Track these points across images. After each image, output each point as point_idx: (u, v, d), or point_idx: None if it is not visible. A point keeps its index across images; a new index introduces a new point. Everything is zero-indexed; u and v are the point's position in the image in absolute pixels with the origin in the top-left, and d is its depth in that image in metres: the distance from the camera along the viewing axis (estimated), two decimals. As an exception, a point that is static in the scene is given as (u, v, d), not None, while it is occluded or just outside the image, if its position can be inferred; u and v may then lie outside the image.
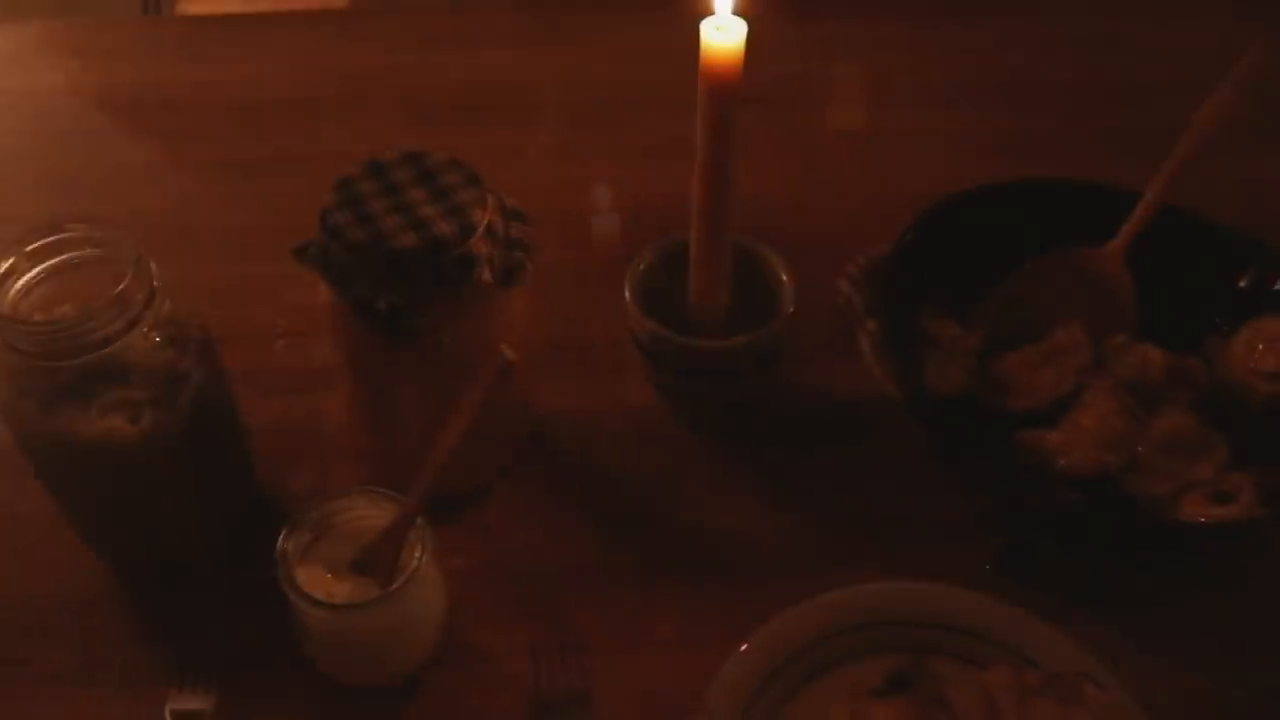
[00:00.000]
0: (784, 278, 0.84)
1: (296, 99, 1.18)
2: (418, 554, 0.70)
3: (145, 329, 0.70)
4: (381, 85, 1.20)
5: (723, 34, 0.71)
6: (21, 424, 0.71)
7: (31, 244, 0.71)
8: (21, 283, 0.71)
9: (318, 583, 0.71)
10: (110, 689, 0.76)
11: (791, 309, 0.83)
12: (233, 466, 0.80)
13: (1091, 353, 0.85)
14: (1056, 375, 0.85)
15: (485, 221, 0.71)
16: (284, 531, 0.70)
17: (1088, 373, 0.84)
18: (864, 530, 0.83)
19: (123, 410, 0.71)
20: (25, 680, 0.76)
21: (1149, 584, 0.80)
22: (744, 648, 0.73)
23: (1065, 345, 0.86)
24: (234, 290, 0.96)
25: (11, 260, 0.71)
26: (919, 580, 0.77)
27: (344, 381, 0.80)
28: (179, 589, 0.80)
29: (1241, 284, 0.88)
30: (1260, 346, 0.85)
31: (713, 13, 0.72)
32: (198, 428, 0.74)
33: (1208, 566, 0.81)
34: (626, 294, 0.84)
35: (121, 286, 0.68)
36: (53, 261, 0.71)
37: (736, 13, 0.72)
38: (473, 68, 1.22)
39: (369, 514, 0.73)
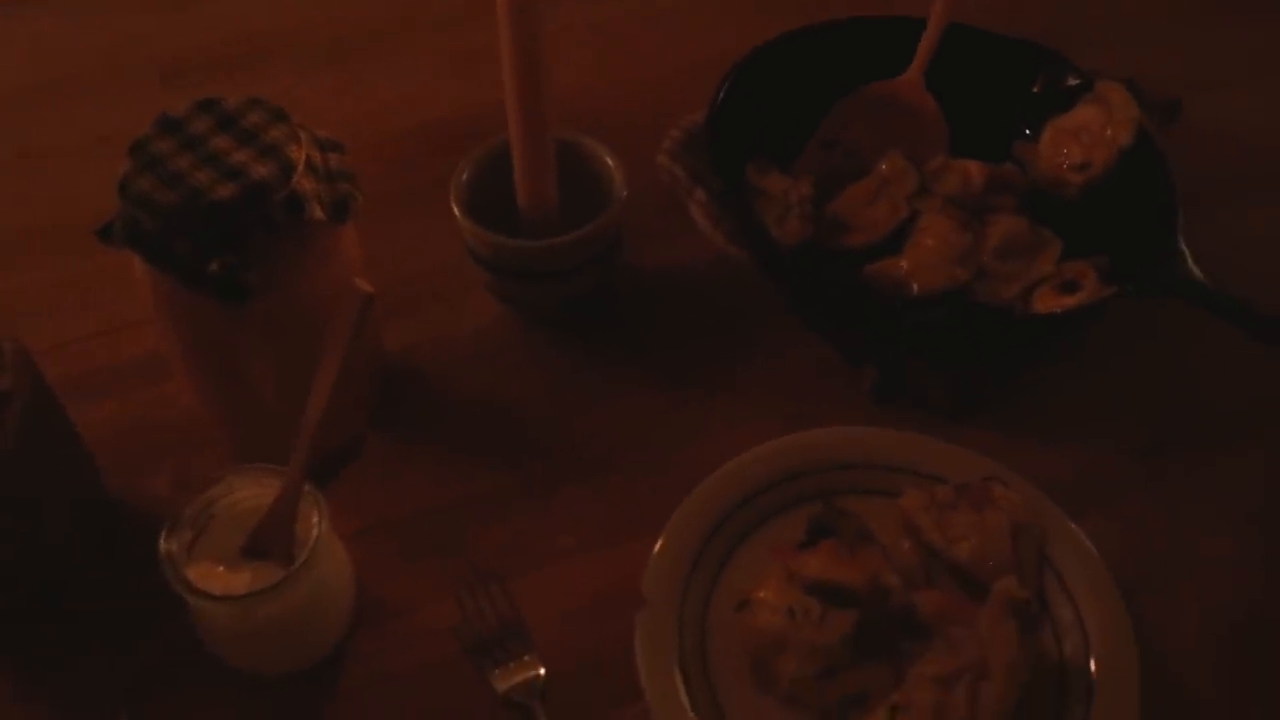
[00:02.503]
0: (610, 163, 0.82)
1: (41, 84, 1.07)
2: (315, 521, 0.65)
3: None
4: (130, 57, 1.09)
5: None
6: None
7: None
8: None
9: (213, 578, 0.65)
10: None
11: (624, 193, 0.81)
12: (78, 481, 0.73)
13: (916, 178, 0.87)
14: (890, 205, 0.86)
15: (304, 157, 0.66)
16: (163, 533, 0.65)
17: (916, 198, 0.86)
18: (740, 392, 0.82)
19: None
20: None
21: (1015, 381, 0.83)
22: (664, 535, 0.72)
23: (890, 175, 0.87)
24: (33, 297, 0.87)
25: None
26: (810, 430, 0.77)
27: (182, 363, 0.73)
28: (52, 629, 0.73)
29: (1035, 89, 0.91)
30: (1064, 142, 0.88)
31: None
32: (32, 448, 0.67)
33: (1055, 350, 0.85)
34: (455, 209, 0.80)
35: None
36: None
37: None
38: (225, 20, 1.13)
39: (248, 495, 0.68)
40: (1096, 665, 0.68)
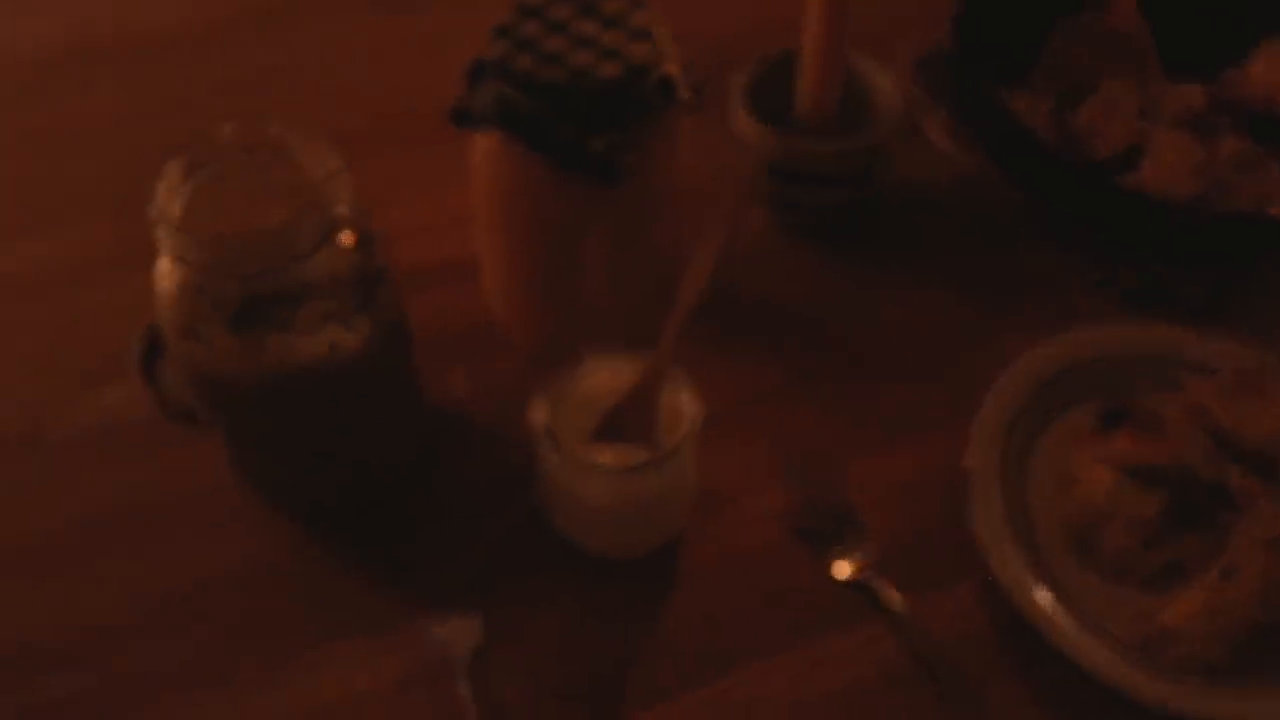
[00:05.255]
0: (882, 79, 0.84)
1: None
2: (687, 400, 0.66)
3: (344, 231, 0.62)
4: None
5: None
6: (212, 359, 0.62)
7: (186, 155, 0.62)
8: (183, 198, 0.61)
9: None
10: (364, 640, 0.69)
11: (900, 105, 0.83)
12: (410, 370, 0.73)
13: (1138, 100, 0.91)
14: (1122, 124, 0.90)
15: (674, 39, 0.68)
16: (531, 408, 0.65)
17: (1144, 115, 0.90)
18: (999, 299, 0.86)
19: (329, 322, 0.63)
20: (273, 651, 0.68)
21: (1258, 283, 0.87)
22: (977, 420, 0.75)
23: (1118, 94, 0.91)
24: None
25: (168, 178, 0.61)
26: (1086, 328, 0.81)
27: (508, 255, 0.74)
28: (374, 521, 0.73)
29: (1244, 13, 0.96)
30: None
31: None
32: (394, 331, 0.67)
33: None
34: (740, 112, 0.81)
35: (324, 185, 0.61)
36: (205, 172, 0.62)
37: None
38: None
39: (603, 378, 0.68)
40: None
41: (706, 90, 0.70)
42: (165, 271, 0.62)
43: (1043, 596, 0.68)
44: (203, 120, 0.93)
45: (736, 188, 0.65)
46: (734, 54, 0.84)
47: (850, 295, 0.85)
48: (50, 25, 1.06)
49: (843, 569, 0.71)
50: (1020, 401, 0.77)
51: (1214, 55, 0.95)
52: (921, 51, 0.93)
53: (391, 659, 0.68)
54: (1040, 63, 0.93)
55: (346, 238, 0.62)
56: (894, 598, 0.70)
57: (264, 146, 0.63)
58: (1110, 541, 0.71)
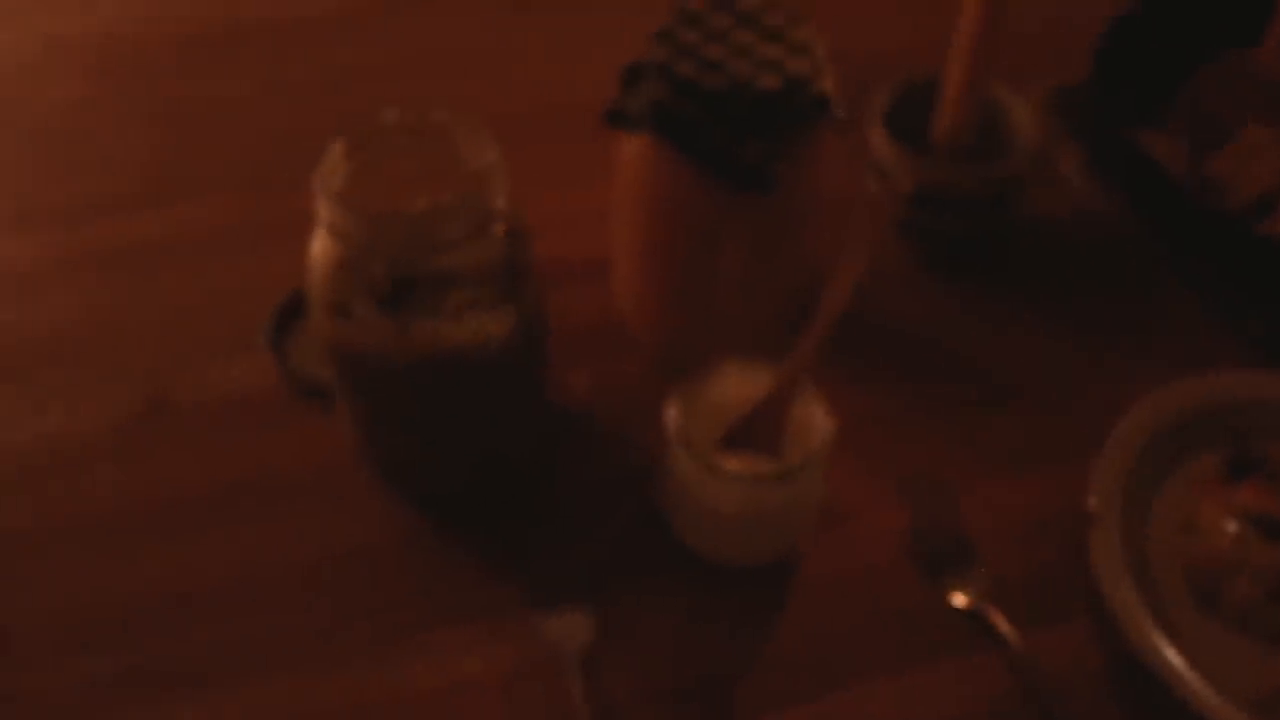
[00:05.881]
0: (1021, 110, 0.84)
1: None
2: (819, 414, 0.66)
3: (498, 222, 0.63)
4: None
5: None
6: (358, 337, 0.63)
7: (349, 134, 0.63)
8: (343, 176, 0.62)
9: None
10: (475, 628, 0.69)
11: (1037, 136, 0.83)
12: (543, 362, 0.74)
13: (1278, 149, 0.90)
14: (1263, 170, 0.89)
15: (829, 57, 0.68)
16: (668, 408, 0.66)
17: (1282, 164, 0.89)
18: (1125, 338, 0.85)
19: (474, 310, 0.64)
20: (385, 632, 0.69)
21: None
22: (1101, 457, 0.74)
23: (1258, 143, 0.90)
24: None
25: (331, 155, 0.62)
26: (1213, 372, 0.80)
27: (646, 256, 0.74)
28: (493, 512, 0.74)
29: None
30: None
31: None
32: (535, 324, 0.68)
33: None
34: (876, 132, 0.82)
35: (483, 175, 0.61)
36: (366, 152, 0.63)
37: None
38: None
39: (733, 385, 0.69)
40: None
41: (856, 109, 0.70)
42: (320, 247, 0.63)
43: (1160, 642, 0.67)
44: (344, 102, 0.95)
45: (881, 208, 0.65)
46: (877, 73, 0.84)
47: (976, 324, 0.85)
48: (198, 7, 1.09)
49: (956, 596, 0.71)
50: (1145, 444, 0.76)
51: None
52: (1060, 85, 0.93)
53: (502, 649, 0.69)
54: (1179, 104, 0.92)
55: (499, 229, 0.63)
56: (1007, 630, 0.69)
57: (426, 132, 0.64)
58: (1234, 592, 0.70)
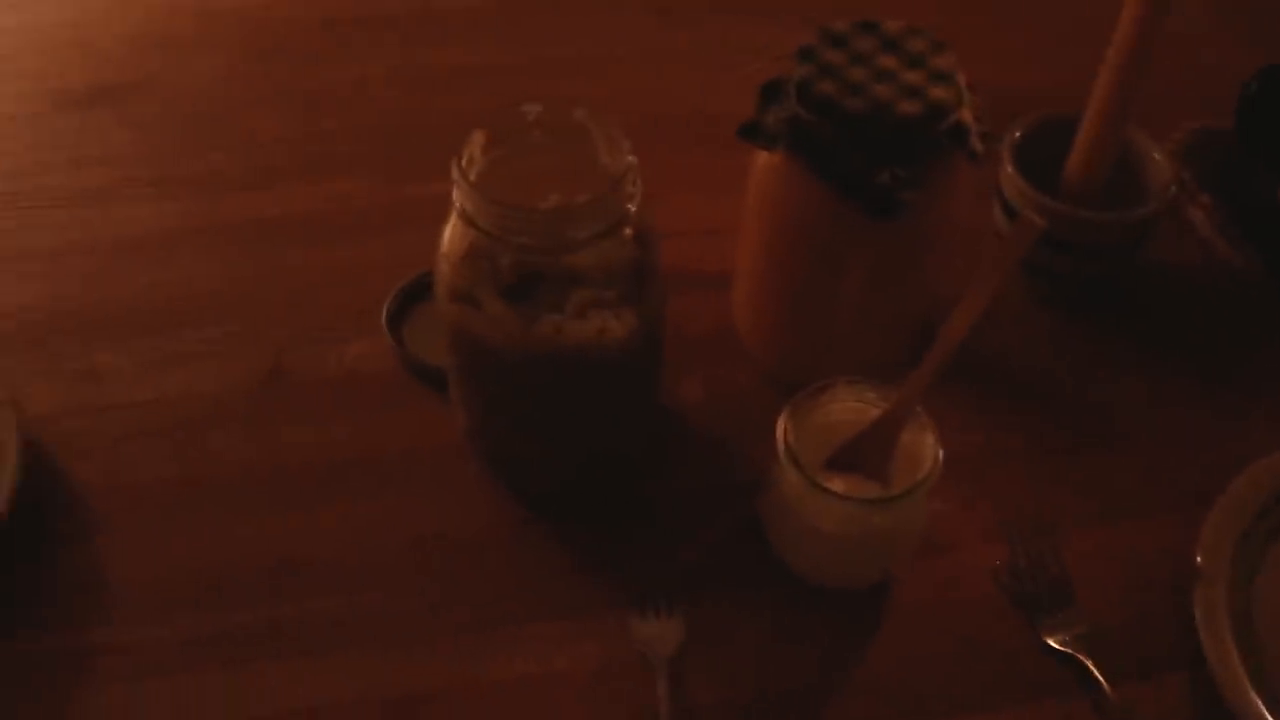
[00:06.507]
0: (1156, 155, 0.83)
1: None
2: (929, 442, 0.66)
3: (629, 225, 0.64)
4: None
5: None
6: (483, 326, 0.64)
7: (492, 128, 0.64)
8: (481, 166, 0.64)
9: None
10: (567, 624, 0.70)
11: (1172, 184, 0.81)
12: (658, 365, 0.75)
13: None
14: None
15: (968, 88, 0.68)
16: (780, 423, 0.66)
17: None
18: (1249, 392, 0.83)
19: (598, 310, 0.65)
20: (478, 619, 0.71)
21: None
22: (1213, 513, 0.73)
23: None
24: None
25: (472, 145, 0.64)
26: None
27: (768, 271, 0.75)
28: (593, 510, 0.75)
29: None
30: None
31: None
32: (655, 328, 0.69)
33: None
34: (1007, 167, 0.81)
35: (618, 177, 0.62)
36: (505, 146, 0.65)
37: None
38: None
39: (844, 406, 0.69)
40: None
41: (992, 143, 0.70)
42: (452, 233, 0.65)
43: (1258, 705, 0.66)
44: (482, 96, 0.97)
45: (1014, 249, 0.64)
46: (1013, 107, 0.84)
47: (1093, 364, 0.84)
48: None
49: (1051, 639, 0.70)
50: (1260, 505, 0.74)
51: None
52: (1196, 130, 0.91)
53: (591, 646, 0.69)
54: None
55: (629, 231, 0.64)
56: (1101, 677, 0.68)
57: (565, 129, 0.65)
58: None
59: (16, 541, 0.72)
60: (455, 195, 0.62)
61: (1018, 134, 0.83)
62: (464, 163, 0.62)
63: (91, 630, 0.70)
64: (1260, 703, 0.66)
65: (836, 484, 0.67)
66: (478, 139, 0.64)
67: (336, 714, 0.67)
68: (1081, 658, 0.69)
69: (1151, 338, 0.86)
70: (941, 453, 0.65)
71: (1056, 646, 0.70)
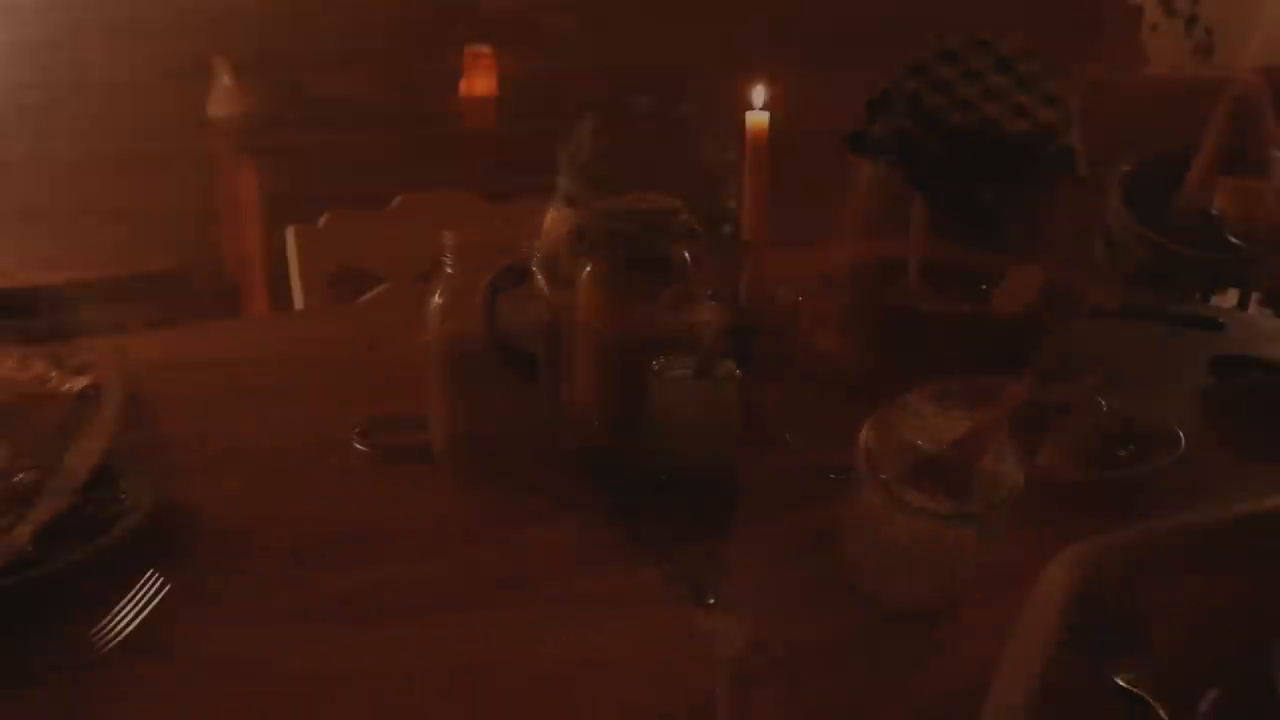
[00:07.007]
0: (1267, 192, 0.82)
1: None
2: (1010, 465, 0.66)
3: (728, 223, 0.65)
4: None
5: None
6: (576, 316, 0.65)
7: (600, 115, 0.65)
8: (588, 153, 0.65)
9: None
10: (634, 615, 0.71)
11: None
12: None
13: None
14: None
15: (1079, 111, 0.68)
16: (861, 435, 0.66)
17: None
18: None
19: (690, 303, 0.65)
20: (549, 595, 0.72)
21: None
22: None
23: None
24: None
25: (581, 134, 0.65)
26: None
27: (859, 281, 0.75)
28: (670, 509, 0.75)
29: None
30: None
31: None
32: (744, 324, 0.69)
33: None
34: (1114, 196, 0.81)
35: (720, 174, 0.63)
36: (613, 135, 0.66)
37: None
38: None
39: (929, 423, 0.69)
40: None
41: (1099, 169, 0.70)
42: (554, 217, 0.66)
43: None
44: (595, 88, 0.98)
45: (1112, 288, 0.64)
46: (1125, 139, 0.83)
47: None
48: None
49: (1119, 677, 0.69)
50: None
51: None
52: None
53: (658, 639, 0.70)
54: None
55: (727, 229, 0.65)
56: (1168, 720, 0.67)
57: (672, 124, 0.66)
58: None
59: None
60: (559, 181, 0.63)
61: (1128, 166, 0.82)
62: (572, 149, 0.64)
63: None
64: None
65: (915, 497, 0.66)
66: (587, 126, 0.65)
67: (402, 680, 0.68)
68: (1148, 700, 0.68)
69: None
70: (1021, 477, 0.65)
71: (1124, 686, 0.68)
